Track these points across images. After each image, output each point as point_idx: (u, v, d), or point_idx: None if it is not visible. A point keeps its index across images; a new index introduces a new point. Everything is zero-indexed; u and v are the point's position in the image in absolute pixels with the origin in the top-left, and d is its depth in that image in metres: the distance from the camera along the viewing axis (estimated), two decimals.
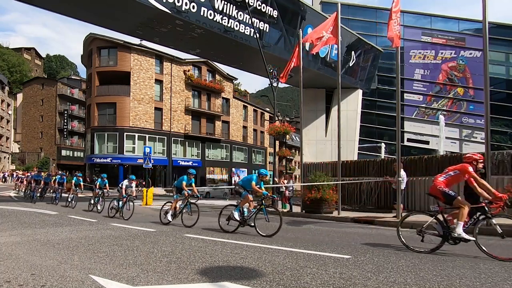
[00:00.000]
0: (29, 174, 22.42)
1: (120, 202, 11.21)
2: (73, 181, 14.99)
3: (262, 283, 3.72)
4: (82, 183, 15.29)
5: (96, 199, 13.33)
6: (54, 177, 18.69)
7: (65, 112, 54.31)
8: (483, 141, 9.96)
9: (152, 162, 25.75)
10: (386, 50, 35.49)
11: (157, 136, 37.40)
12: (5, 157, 52.30)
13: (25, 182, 21.78)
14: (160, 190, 29.95)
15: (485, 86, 8.86)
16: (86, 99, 41.59)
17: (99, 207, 12.97)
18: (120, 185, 11.90)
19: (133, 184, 11.92)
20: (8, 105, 55.40)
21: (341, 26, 12.89)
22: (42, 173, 17.68)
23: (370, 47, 32.48)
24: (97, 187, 13.46)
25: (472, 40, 43.40)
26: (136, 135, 35.79)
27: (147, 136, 36.38)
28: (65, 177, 17.18)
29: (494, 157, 10.69)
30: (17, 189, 25.29)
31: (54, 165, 51.78)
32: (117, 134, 35.16)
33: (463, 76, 44.39)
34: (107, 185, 13.53)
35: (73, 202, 14.44)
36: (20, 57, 78.16)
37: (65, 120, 54.35)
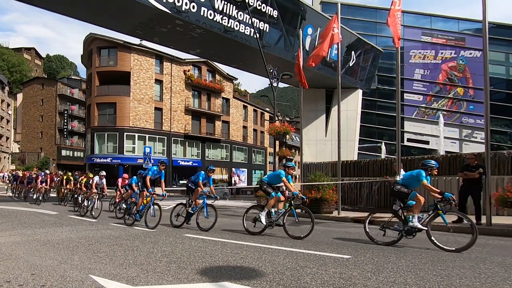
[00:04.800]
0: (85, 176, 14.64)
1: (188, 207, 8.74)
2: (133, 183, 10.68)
3: (262, 283, 3.72)
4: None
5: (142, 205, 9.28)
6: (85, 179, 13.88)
7: (65, 112, 54.31)
8: (483, 141, 9.96)
9: (152, 162, 25.78)
10: (386, 50, 35.51)
11: (157, 136, 37.40)
12: (5, 157, 52.30)
13: (52, 183, 17.26)
14: (160, 190, 29.93)
15: (485, 86, 8.86)
16: (86, 99, 41.59)
17: (151, 216, 8.79)
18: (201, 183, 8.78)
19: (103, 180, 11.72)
20: (8, 105, 55.40)
21: (341, 26, 12.90)
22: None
23: (370, 47, 32.46)
24: (134, 188, 10.46)
25: (472, 40, 43.40)
26: (136, 135, 35.79)
27: (147, 136, 36.38)
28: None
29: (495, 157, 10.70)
30: (11, 189, 24.83)
31: (54, 165, 51.78)
32: (117, 134, 35.16)
33: (463, 76, 44.40)
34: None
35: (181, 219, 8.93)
36: (20, 57, 78.12)
37: (65, 120, 54.35)
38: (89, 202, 11.52)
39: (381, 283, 3.73)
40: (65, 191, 16.18)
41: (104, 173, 12.70)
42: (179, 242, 6.38)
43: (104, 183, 12.61)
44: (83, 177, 14.67)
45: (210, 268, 4.40)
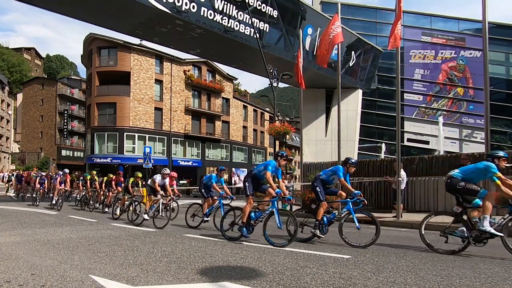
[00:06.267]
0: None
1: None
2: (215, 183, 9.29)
3: (262, 283, 3.72)
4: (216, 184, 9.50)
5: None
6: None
7: (65, 112, 54.30)
8: (483, 141, 9.96)
9: (152, 162, 25.77)
10: (386, 50, 35.42)
11: (157, 136, 37.39)
12: (5, 157, 52.31)
13: (67, 185, 15.41)
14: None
15: (485, 86, 8.86)
16: (86, 99, 41.58)
17: (277, 228, 6.31)
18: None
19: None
20: (8, 105, 55.41)
21: (341, 26, 12.90)
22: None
23: (370, 47, 32.48)
24: (217, 189, 9.17)
25: (472, 40, 43.39)
26: (136, 135, 35.78)
27: (147, 136, 36.37)
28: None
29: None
30: (15, 190, 24.65)
31: (54, 165, 51.78)
32: (117, 134, 35.15)
33: (463, 76, 44.39)
34: (224, 185, 9.49)
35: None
36: (20, 57, 78.11)
37: (65, 120, 54.34)
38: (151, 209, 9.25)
39: (381, 283, 3.73)
40: (91, 193, 14.48)
41: (168, 171, 9.71)
42: (179, 242, 6.38)
43: (167, 183, 9.58)
44: (113, 177, 12.91)
45: (210, 268, 4.39)
